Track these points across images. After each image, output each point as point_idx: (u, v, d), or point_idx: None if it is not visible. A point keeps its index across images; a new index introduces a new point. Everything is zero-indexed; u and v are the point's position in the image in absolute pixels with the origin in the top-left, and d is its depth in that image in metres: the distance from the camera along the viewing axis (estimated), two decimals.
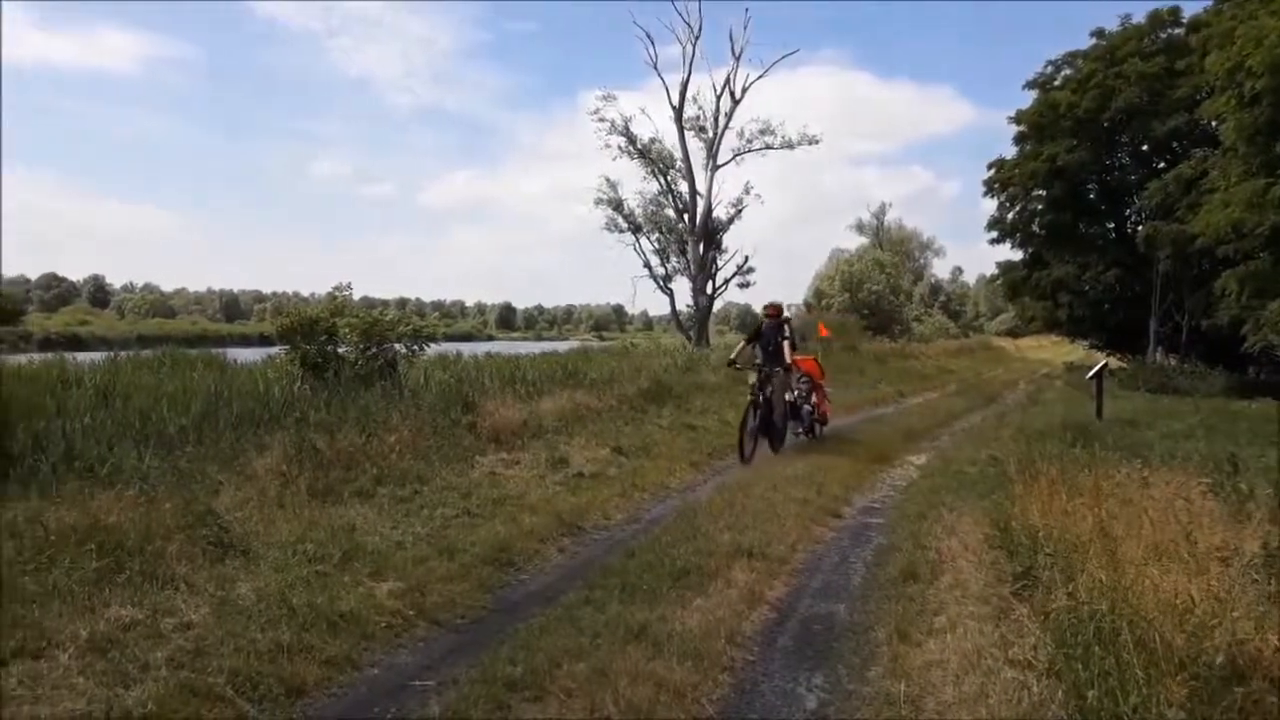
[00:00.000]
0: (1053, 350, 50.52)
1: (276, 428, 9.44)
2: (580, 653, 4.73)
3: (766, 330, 12.44)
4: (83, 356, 15.61)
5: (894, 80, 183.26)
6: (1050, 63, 31.00)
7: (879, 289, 50.06)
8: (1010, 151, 31.99)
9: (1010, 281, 33.86)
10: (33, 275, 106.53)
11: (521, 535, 7.06)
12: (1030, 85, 31.31)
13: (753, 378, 12.06)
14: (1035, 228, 31.28)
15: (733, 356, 12.89)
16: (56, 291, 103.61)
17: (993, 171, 32.23)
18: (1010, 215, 31.96)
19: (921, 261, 71.35)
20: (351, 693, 4.40)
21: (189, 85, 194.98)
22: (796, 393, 12.85)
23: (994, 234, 32.30)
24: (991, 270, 37.80)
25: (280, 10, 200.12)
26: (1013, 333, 64.14)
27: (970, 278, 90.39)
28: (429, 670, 4.69)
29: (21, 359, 15.61)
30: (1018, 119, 31.11)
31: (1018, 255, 33.35)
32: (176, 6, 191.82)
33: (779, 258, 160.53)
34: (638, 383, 15.60)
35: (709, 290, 37.16)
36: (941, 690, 4.44)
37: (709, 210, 36.66)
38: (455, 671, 4.60)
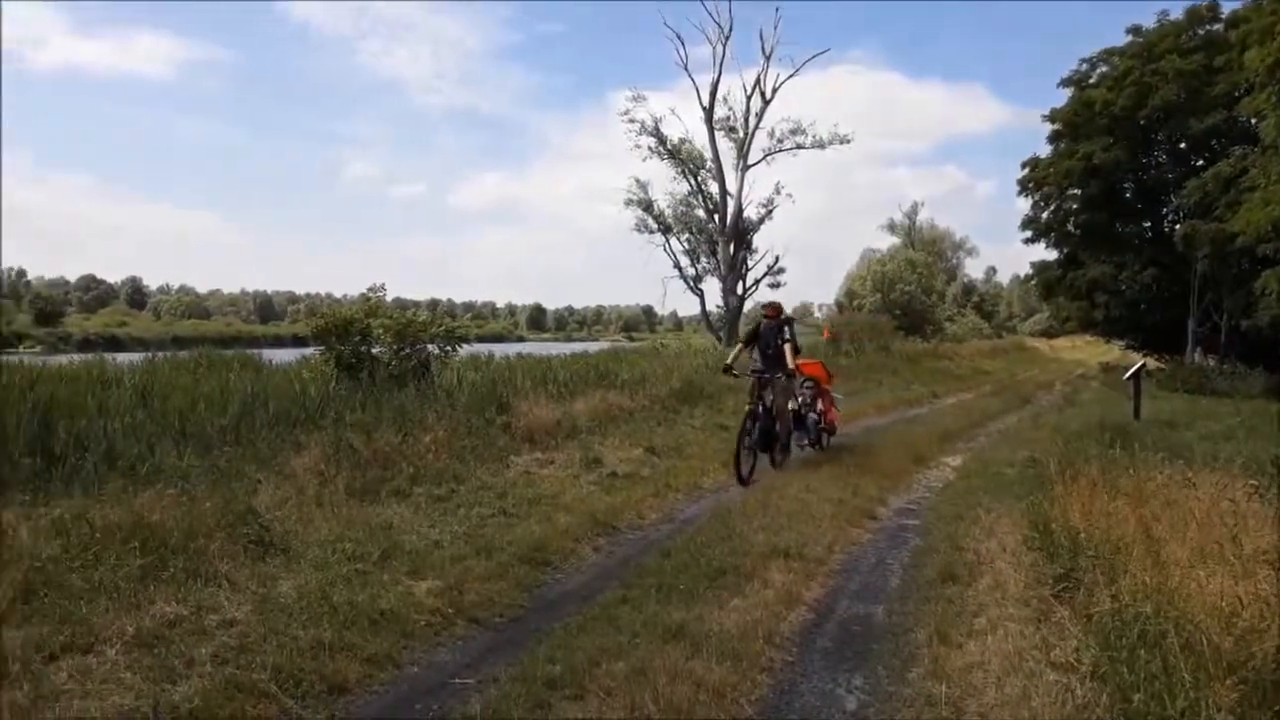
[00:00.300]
0: (1088, 351, 50.00)
1: (313, 428, 9.53)
2: (619, 652, 4.74)
3: (765, 332, 11.09)
4: (121, 357, 15.87)
5: (925, 79, 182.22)
6: (1085, 60, 30.72)
7: (911, 289, 49.74)
8: (1045, 150, 31.74)
9: (1045, 281, 33.57)
10: (72, 277, 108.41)
11: (557, 535, 7.07)
12: (1065, 83, 31.03)
13: (751, 385, 10.91)
14: (1070, 227, 30.98)
15: (729, 361, 11.28)
16: (95, 293, 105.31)
17: (1027, 170, 31.98)
18: (1045, 214, 31.68)
19: (954, 261, 70.78)
20: (393, 690, 4.43)
21: (223, 88, 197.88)
22: (800, 400, 11.90)
23: (1028, 233, 32.08)
24: (1025, 270, 37.56)
25: (312, 13, 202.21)
26: (1047, 333, 63.55)
27: (1004, 278, 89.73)
28: (469, 668, 4.71)
29: (62, 359, 15.88)
30: (1052, 117, 30.83)
31: (1052, 255, 33.11)
32: (210, 10, 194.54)
33: (810, 258, 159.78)
34: (669, 383, 15.60)
35: (739, 290, 37.07)
36: (983, 692, 4.40)
37: (739, 210, 36.60)
38: (495, 670, 4.63)
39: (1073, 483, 7.38)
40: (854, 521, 8.16)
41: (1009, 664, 4.66)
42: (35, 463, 7.57)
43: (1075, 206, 30.67)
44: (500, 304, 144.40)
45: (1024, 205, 32.47)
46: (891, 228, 67.08)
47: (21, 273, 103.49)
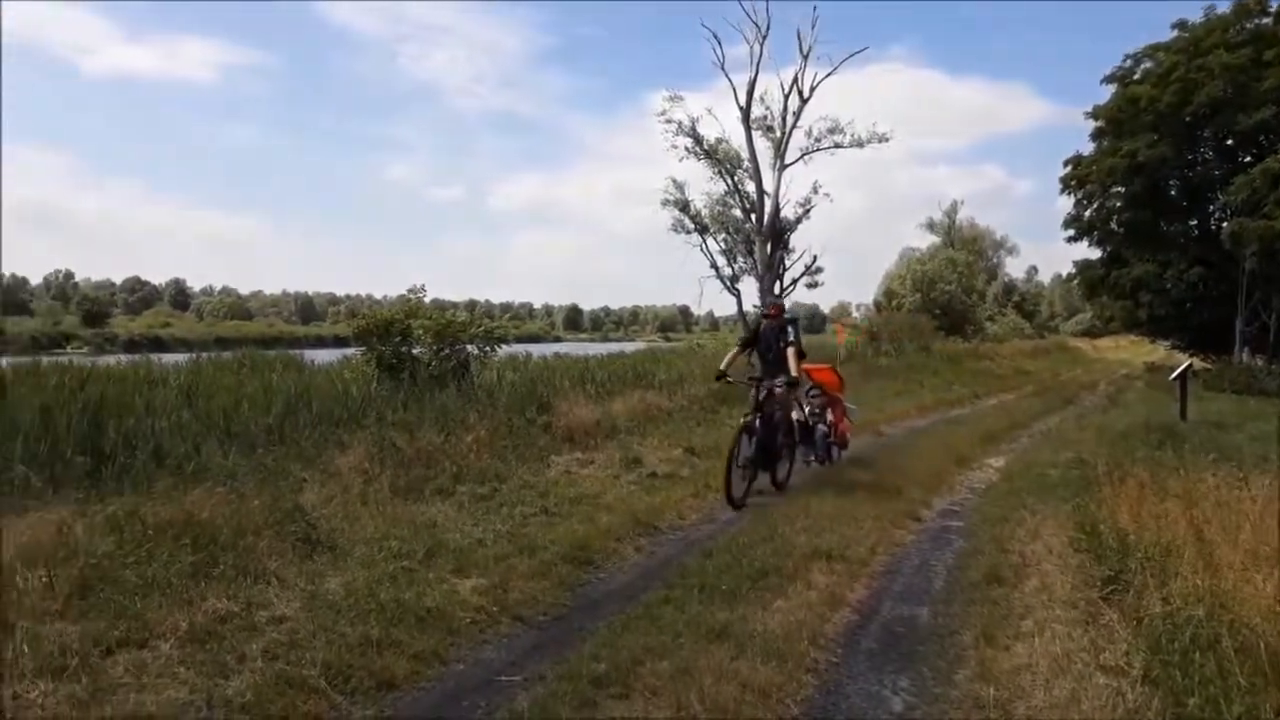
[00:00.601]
0: (1132, 351, 49.22)
1: (356, 427, 9.64)
2: (663, 651, 4.75)
3: (766, 334, 9.76)
4: (166, 358, 16.17)
5: (965, 77, 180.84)
6: (1129, 56, 30.26)
7: (951, 289, 49.24)
8: (1087, 148, 31.29)
9: (1088, 280, 33.11)
10: (117, 279, 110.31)
11: (599, 534, 7.10)
12: (1108, 80, 30.59)
13: (750, 394, 9.55)
14: (1114, 225, 30.53)
15: (722, 367, 9.74)
16: (140, 295, 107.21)
17: (1070, 168, 31.56)
18: (1088, 213, 31.25)
19: (995, 260, 69.94)
20: (440, 687, 4.46)
21: (265, 92, 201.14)
22: (808, 410, 10.77)
23: (1071, 232, 31.64)
24: (1067, 269, 37.04)
25: (352, 18, 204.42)
26: (1090, 333, 62.70)
27: (1045, 277, 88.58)
28: (514, 666, 4.73)
29: (110, 360, 16.21)
30: (1095, 114, 30.41)
31: (1095, 254, 32.63)
32: (253, 16, 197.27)
33: (847, 257, 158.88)
34: (708, 383, 15.53)
35: (777, 290, 36.88)
36: (1031, 695, 4.36)
37: (776, 210, 36.40)
38: (540, 667, 4.65)
39: (1120, 484, 7.28)
40: (897, 523, 8.11)
41: (1057, 666, 4.61)
42: (86, 461, 7.72)
43: (1119, 204, 30.21)
44: (537, 305, 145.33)
45: (1066, 204, 32.18)
46: (931, 226, 66.43)
47: (69, 275, 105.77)
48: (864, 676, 4.77)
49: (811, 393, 10.95)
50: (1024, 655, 4.84)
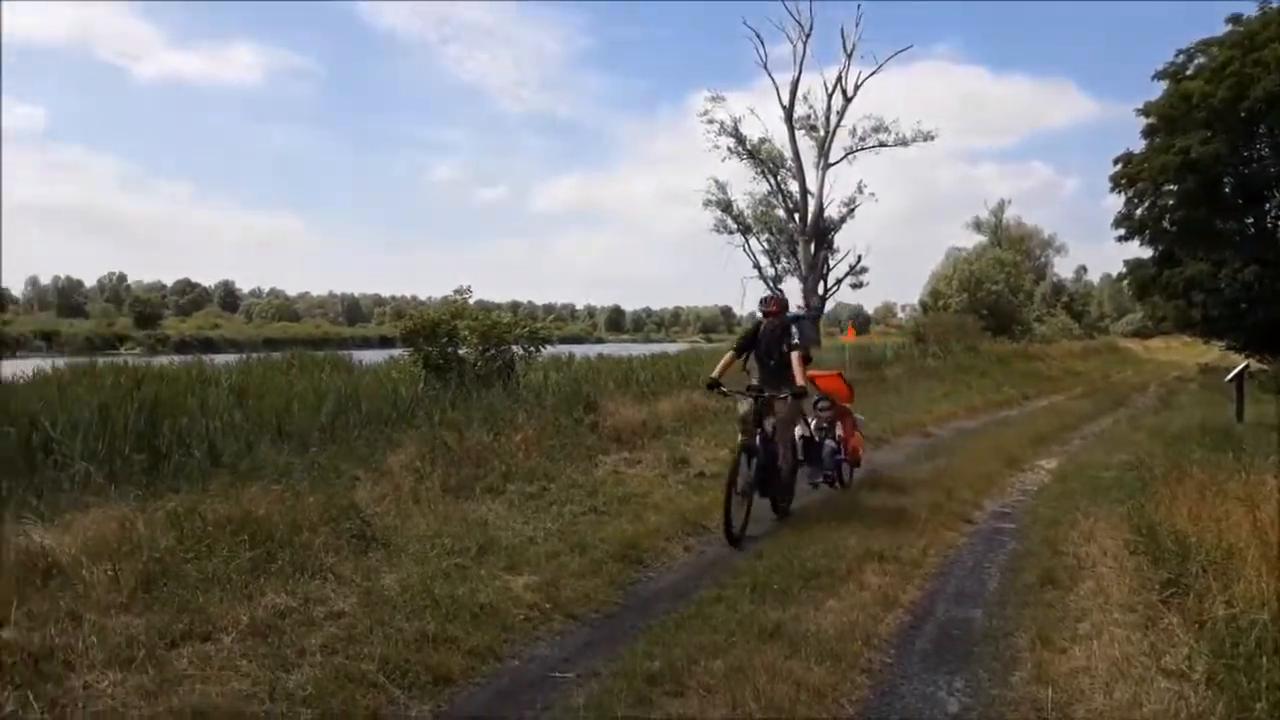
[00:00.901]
0: (1184, 352, 48.26)
1: (406, 426, 9.75)
2: (716, 650, 4.76)
3: (766, 336, 8.37)
4: (217, 359, 16.49)
5: (1010, 74, 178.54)
6: (1181, 52, 29.63)
7: (998, 289, 48.59)
8: (1138, 145, 30.72)
9: (1139, 280, 32.47)
10: (168, 281, 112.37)
11: (648, 533, 7.12)
12: (1160, 76, 29.99)
13: (744, 407, 8.07)
14: (1166, 224, 29.93)
15: (714, 374, 8.26)
16: (190, 296, 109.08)
17: (1120, 166, 30.99)
18: (1139, 211, 30.66)
19: (1042, 260, 68.88)
20: (495, 682, 4.51)
21: (310, 95, 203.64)
22: (814, 424, 9.26)
23: (1121, 231, 31.06)
24: (1117, 269, 36.41)
25: (396, 21, 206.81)
26: (1140, 333, 61.58)
27: (1094, 276, 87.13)
28: (568, 662, 4.76)
29: (162, 360, 16.55)
30: (1146, 111, 29.83)
31: (1146, 253, 32.01)
32: (299, 19, 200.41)
33: (892, 257, 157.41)
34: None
35: (821, 291, 36.73)
36: (1091, 698, 4.30)
37: (820, 210, 36.25)
38: (594, 664, 4.68)
39: (1178, 485, 7.16)
40: (948, 525, 8.04)
41: (1117, 670, 4.54)
42: (144, 459, 7.89)
43: (1171, 203, 29.60)
44: (579, 306, 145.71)
45: (1115, 202, 31.57)
46: (977, 226, 65.59)
47: (122, 277, 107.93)
48: (918, 677, 4.74)
49: (819, 404, 9.58)
50: (1082, 658, 4.77)
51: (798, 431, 8.62)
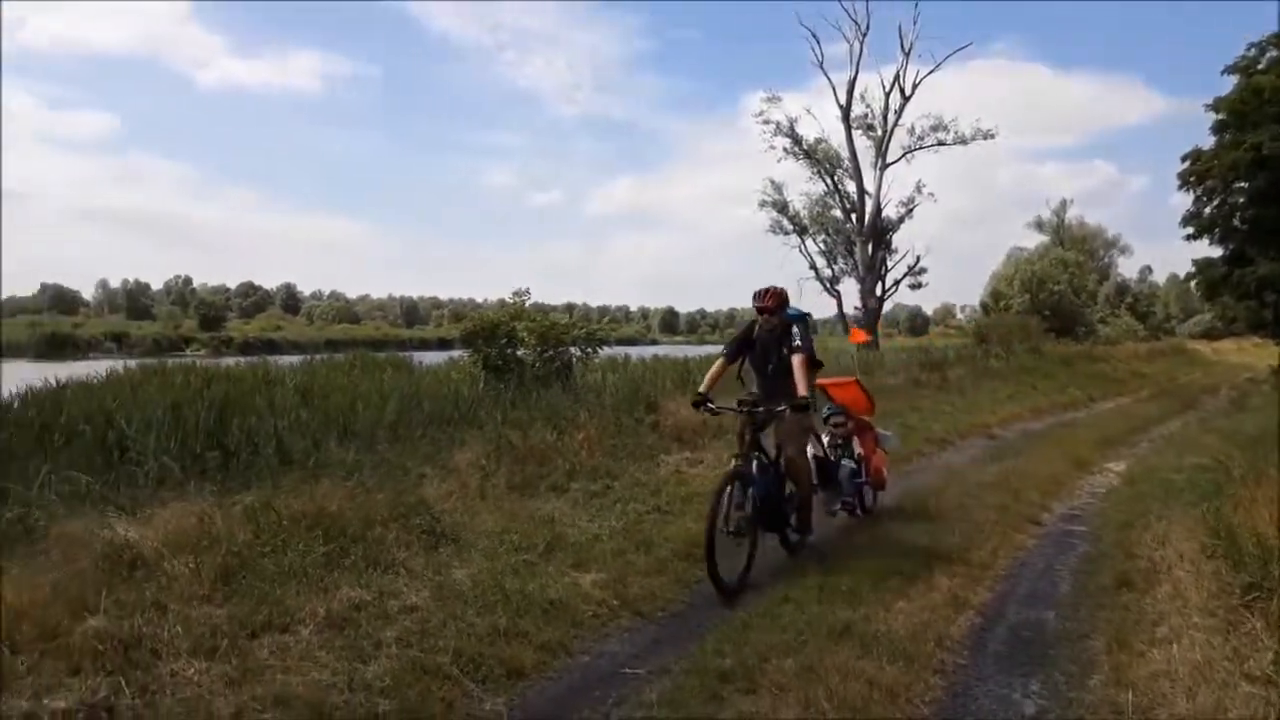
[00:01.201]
0: (1256, 354, 46.78)
1: (469, 425, 9.87)
2: (787, 649, 4.75)
3: (763, 338, 6.96)
4: (281, 360, 16.85)
5: (1073, 71, 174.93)
6: (1253, 45, 28.79)
7: (1061, 289, 47.65)
8: (1207, 142, 29.95)
9: (1208, 280, 31.63)
10: (232, 284, 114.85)
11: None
12: (1230, 70, 29.19)
13: (740, 426, 6.79)
14: (1237, 222, 29.11)
15: (702, 389, 6.95)
16: (253, 299, 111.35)
17: (1188, 164, 30.23)
18: (1208, 209, 29.88)
19: (1106, 260, 67.38)
20: (567, 677, 4.55)
21: (367, 101, 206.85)
22: (827, 441, 7.97)
23: (1189, 230, 30.31)
24: (1184, 269, 35.55)
25: (451, 26, 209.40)
26: (1209, 335, 60.06)
27: (1160, 277, 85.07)
28: (638, 659, 4.79)
29: (228, 361, 16.96)
30: (1216, 107, 29.07)
31: (1216, 252, 31.19)
32: (357, 27, 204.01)
33: (951, 258, 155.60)
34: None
35: (878, 292, 36.45)
36: (1173, 702, 4.21)
37: (878, 210, 36.00)
38: (664, 661, 4.70)
39: (1257, 488, 6.97)
40: (1017, 527, 7.92)
41: (1198, 674, 4.44)
42: (217, 455, 8.09)
43: (1242, 200, 28.81)
44: (633, 308, 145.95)
45: (1182, 200, 30.71)
46: (1039, 225, 64.39)
47: (188, 280, 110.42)
48: (993, 679, 4.69)
49: (833, 418, 8.22)
50: (1161, 662, 4.67)
51: (810, 452, 7.28)
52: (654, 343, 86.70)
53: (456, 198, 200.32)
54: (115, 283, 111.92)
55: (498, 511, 7.15)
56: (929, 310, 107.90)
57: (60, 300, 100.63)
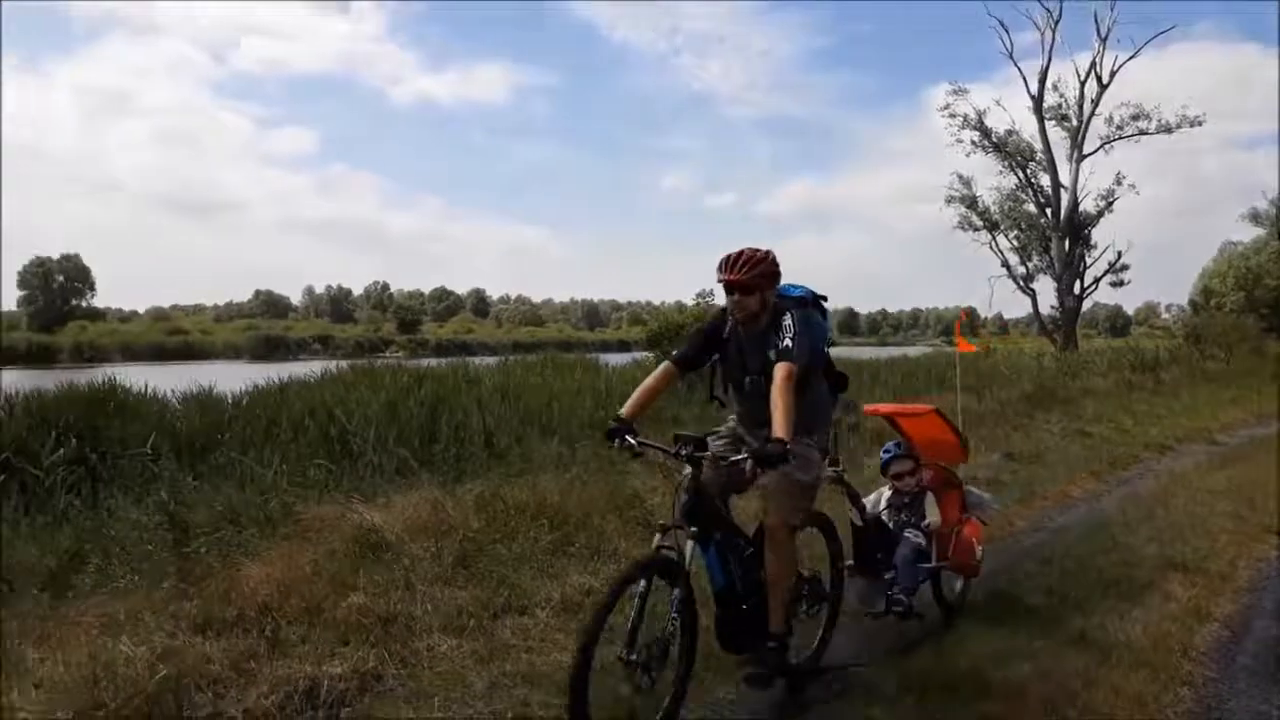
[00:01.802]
0: None
1: (660, 422, 10.03)
2: (1020, 653, 4.62)
3: (740, 333, 4.24)
4: (474, 361, 17.64)
5: None
6: None
7: None
8: None
9: None
10: (426, 289, 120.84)
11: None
12: None
13: (679, 482, 3.95)
14: None
15: (625, 409, 4.09)
16: (445, 303, 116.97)
17: None
18: None
19: None
20: None
21: (550, 110, 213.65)
22: (884, 499, 5.39)
23: None
24: None
25: (631, 35, 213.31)
26: None
27: None
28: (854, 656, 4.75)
29: (426, 362, 17.88)
30: None
31: None
32: (540, 39, 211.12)
33: (1154, 253, 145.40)
34: (1020, 386, 14.92)
35: (1076, 290, 34.67)
36: None
37: (1075, 203, 34.29)
38: (889, 659, 4.65)
39: None
40: (1257, 537, 7.35)
41: None
42: (439, 449, 8.57)
43: None
44: None
45: None
46: (1254, 217, 59.10)
47: (385, 286, 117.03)
48: (1246, 694, 4.40)
49: (894, 464, 5.35)
50: None
51: (871, 504, 5.26)
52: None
53: (633, 202, 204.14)
54: (320, 288, 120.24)
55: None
56: (1131, 309, 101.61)
57: (271, 305, 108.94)
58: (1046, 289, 35.51)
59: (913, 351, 30.18)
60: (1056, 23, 33.51)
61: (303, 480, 7.36)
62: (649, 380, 4.28)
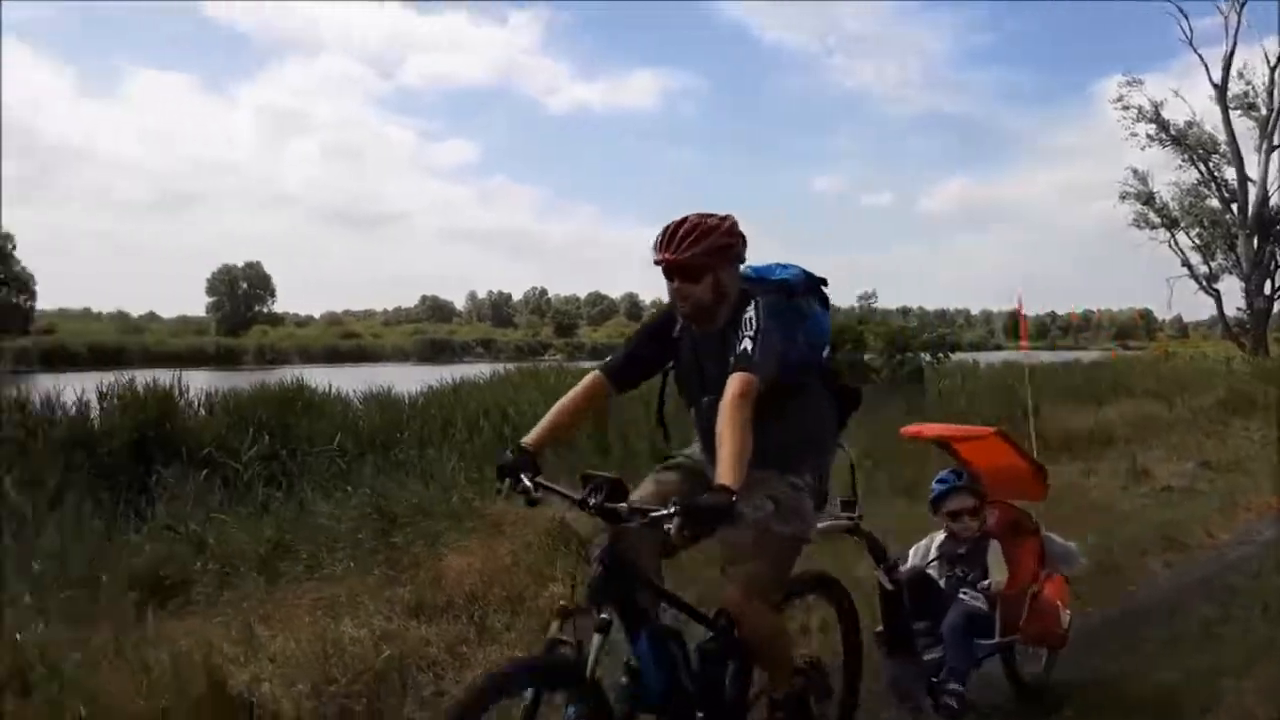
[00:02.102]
0: None
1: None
2: (1240, 669, 4.37)
3: (690, 337, 3.01)
4: None
5: None
6: None
7: None
8: None
9: None
10: (581, 294, 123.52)
11: (1121, 545, 6.76)
12: None
13: (596, 543, 2.68)
14: None
15: (530, 436, 2.90)
16: (600, 308, 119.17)
17: None
18: None
19: None
20: None
21: (701, 113, 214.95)
22: (935, 547, 4.26)
23: None
24: None
25: (784, 38, 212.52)
26: None
27: None
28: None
29: (584, 364, 18.26)
30: None
31: None
32: (692, 44, 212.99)
33: None
34: (1214, 393, 14.13)
35: (1268, 291, 32.33)
36: None
37: (1264, 198, 31.97)
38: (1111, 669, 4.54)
39: None
40: None
41: None
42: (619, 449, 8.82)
43: None
44: (974, 311, 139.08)
45: None
46: None
47: (543, 291, 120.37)
48: None
49: (948, 502, 4.22)
50: None
51: (907, 561, 4.21)
52: (997, 348, 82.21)
53: (787, 204, 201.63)
54: (482, 294, 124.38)
55: (886, 510, 7.14)
56: None
57: (437, 310, 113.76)
58: (1232, 289, 33.29)
59: (1085, 356, 28.73)
60: (1242, 4, 31.36)
61: (479, 477, 7.62)
62: (570, 395, 3.06)
